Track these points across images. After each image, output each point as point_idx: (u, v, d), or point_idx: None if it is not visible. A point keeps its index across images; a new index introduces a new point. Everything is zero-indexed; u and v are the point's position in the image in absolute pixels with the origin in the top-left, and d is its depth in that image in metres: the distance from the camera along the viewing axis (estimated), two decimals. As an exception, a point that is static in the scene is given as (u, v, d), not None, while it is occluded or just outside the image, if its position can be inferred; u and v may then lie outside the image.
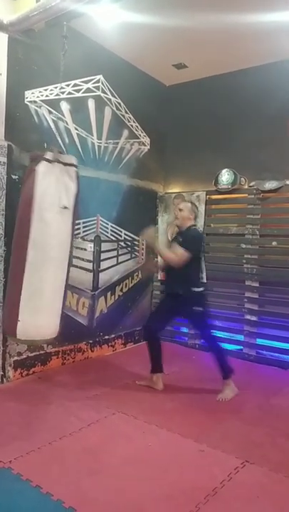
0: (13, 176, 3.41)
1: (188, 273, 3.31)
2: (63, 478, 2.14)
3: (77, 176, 2.82)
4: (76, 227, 3.81)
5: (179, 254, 3.24)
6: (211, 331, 3.52)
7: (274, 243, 4.25)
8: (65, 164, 2.78)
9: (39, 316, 2.73)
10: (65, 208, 2.73)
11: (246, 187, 4.46)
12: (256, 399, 3.30)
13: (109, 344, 4.49)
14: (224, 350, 3.47)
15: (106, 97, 3.55)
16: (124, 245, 4.64)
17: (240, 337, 4.41)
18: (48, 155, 2.72)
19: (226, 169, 4.48)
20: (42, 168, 2.69)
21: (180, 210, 3.43)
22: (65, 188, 2.76)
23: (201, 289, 3.40)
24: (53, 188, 2.71)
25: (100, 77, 3.37)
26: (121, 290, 4.64)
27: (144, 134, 4.45)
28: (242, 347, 4.39)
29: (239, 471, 2.27)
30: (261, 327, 4.31)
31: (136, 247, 4.85)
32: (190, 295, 3.32)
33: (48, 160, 2.70)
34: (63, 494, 1.99)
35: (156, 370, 3.49)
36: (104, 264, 4.37)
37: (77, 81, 3.38)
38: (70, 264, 2.86)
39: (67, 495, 1.99)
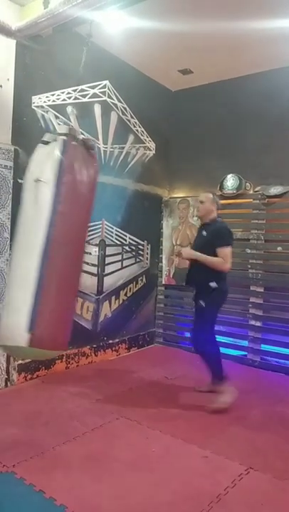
0: (20, 180, 3.43)
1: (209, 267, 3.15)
2: (67, 483, 2.13)
3: (66, 145, 2.37)
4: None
5: (224, 255, 3.09)
6: (207, 333, 3.24)
7: (279, 248, 4.24)
8: (58, 135, 2.44)
9: (4, 314, 2.31)
10: (38, 180, 2.32)
11: (251, 192, 4.46)
12: (261, 405, 3.28)
13: (113, 348, 4.49)
14: (218, 356, 3.23)
15: (112, 102, 3.57)
16: (128, 250, 4.65)
17: (245, 343, 4.39)
18: (46, 136, 2.51)
19: (231, 174, 4.48)
20: (36, 150, 2.48)
21: (201, 202, 3.30)
22: (52, 161, 2.33)
23: (215, 284, 3.16)
24: (37, 166, 2.39)
25: (106, 82, 3.40)
26: (125, 294, 4.64)
27: (150, 138, 4.47)
28: (246, 353, 4.37)
29: (243, 477, 2.25)
30: (266, 333, 4.29)
31: (140, 252, 4.85)
32: (205, 289, 3.18)
33: (44, 142, 2.49)
34: (67, 499, 1.98)
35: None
36: (108, 269, 4.38)
37: (83, 86, 3.40)
38: (50, 251, 2.24)
39: (70, 500, 1.98)
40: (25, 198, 2.40)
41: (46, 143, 2.47)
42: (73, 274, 2.44)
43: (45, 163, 2.35)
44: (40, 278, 2.20)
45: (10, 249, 3.37)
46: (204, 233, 3.28)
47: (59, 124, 2.59)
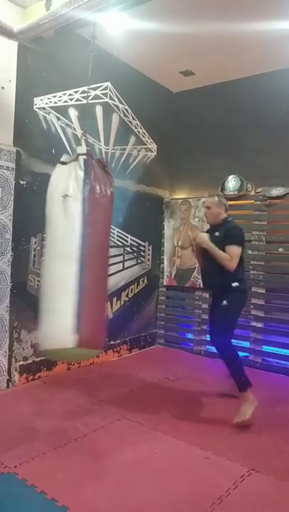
0: (21, 182, 3.45)
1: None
2: (68, 484, 2.13)
3: (87, 163, 2.58)
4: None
5: (232, 253, 3.00)
6: (228, 335, 3.12)
7: (280, 249, 4.24)
8: (78, 155, 2.63)
9: (46, 320, 2.47)
10: (66, 195, 2.51)
11: (253, 193, 4.46)
12: (262, 407, 3.26)
13: (115, 350, 4.49)
14: (238, 360, 3.09)
15: (114, 104, 3.58)
16: (130, 251, 4.65)
17: (246, 344, 4.39)
18: (64, 157, 2.73)
19: (233, 175, 4.48)
20: (56, 170, 2.71)
21: (207, 208, 3.22)
22: (75, 178, 2.56)
23: (237, 283, 3.09)
24: (61, 183, 2.60)
25: (107, 84, 3.41)
26: (127, 295, 4.65)
27: (151, 140, 4.47)
28: (248, 354, 4.36)
29: (245, 479, 2.25)
30: (267, 334, 4.29)
31: (142, 253, 4.85)
32: (228, 290, 3.07)
33: (62, 162, 2.71)
34: (68, 500, 1.99)
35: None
36: (110, 270, 4.38)
37: (85, 88, 3.41)
38: (85, 258, 2.44)
39: (71, 501, 1.98)
40: (53, 213, 2.58)
41: (64, 163, 2.68)
42: (104, 277, 2.67)
43: (69, 180, 2.55)
44: (80, 284, 2.38)
45: (12, 250, 3.38)
46: (217, 234, 3.14)
47: (79, 146, 2.83)
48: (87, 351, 2.51)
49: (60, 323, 2.37)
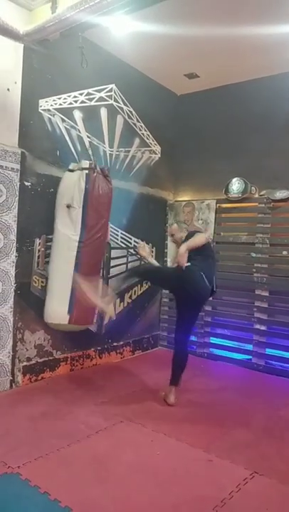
0: (26, 183, 3.46)
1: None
2: (71, 485, 2.14)
3: (89, 177, 3.20)
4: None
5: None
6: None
7: (284, 252, 4.23)
8: (82, 169, 3.22)
9: (50, 303, 3.29)
10: (68, 206, 3.12)
11: (257, 196, 4.45)
12: (265, 410, 3.27)
13: (118, 351, 4.49)
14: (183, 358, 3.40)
15: (118, 106, 3.59)
16: (133, 252, 4.65)
17: (250, 346, 4.38)
18: (71, 165, 3.32)
19: (237, 178, 4.48)
20: (64, 177, 3.35)
21: (172, 235, 3.65)
22: (78, 189, 3.12)
23: (188, 263, 3.10)
24: (68, 192, 3.16)
25: (112, 86, 3.42)
26: (130, 297, 4.65)
27: (155, 142, 4.48)
28: (251, 357, 4.35)
29: (248, 482, 2.25)
30: (271, 337, 4.27)
31: (145, 255, 4.85)
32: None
33: (70, 170, 3.28)
34: (71, 501, 1.99)
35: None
36: (113, 271, 4.39)
37: (90, 90, 3.43)
38: (80, 258, 3.15)
39: (74, 502, 1.98)
40: (59, 219, 3.26)
41: (72, 171, 3.28)
42: (96, 275, 3.45)
43: (73, 190, 3.21)
44: (74, 280, 3.14)
45: (16, 251, 3.40)
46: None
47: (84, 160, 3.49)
48: (77, 326, 3.45)
49: (60, 306, 3.21)
